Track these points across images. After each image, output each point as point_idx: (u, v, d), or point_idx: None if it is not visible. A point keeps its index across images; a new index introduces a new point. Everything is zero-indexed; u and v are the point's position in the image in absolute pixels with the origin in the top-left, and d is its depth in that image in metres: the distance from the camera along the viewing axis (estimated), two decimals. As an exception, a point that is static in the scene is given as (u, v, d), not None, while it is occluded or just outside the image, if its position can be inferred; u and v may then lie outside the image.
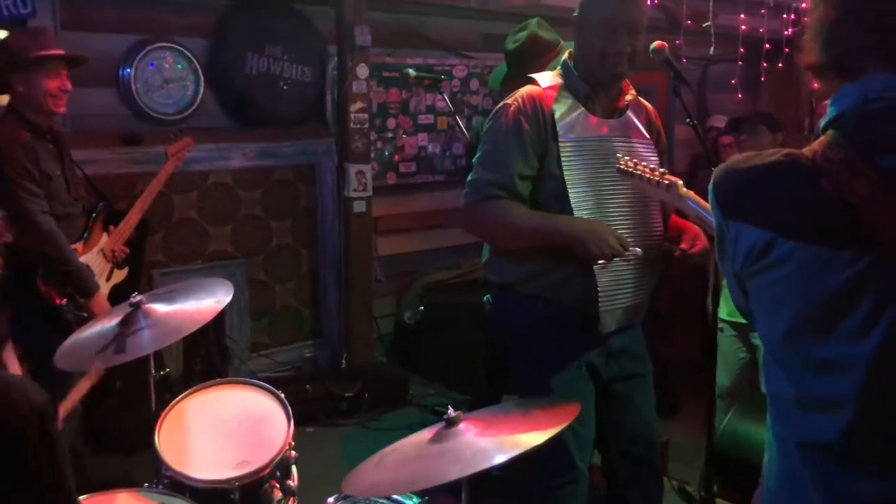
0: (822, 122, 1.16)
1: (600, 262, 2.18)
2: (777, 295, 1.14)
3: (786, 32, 5.59)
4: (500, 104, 2.36)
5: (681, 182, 2.18)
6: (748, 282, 1.18)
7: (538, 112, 2.28)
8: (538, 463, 2.28)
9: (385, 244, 5.26)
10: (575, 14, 2.35)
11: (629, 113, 2.42)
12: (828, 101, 1.18)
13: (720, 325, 3.61)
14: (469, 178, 2.35)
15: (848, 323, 1.07)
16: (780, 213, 1.12)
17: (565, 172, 2.24)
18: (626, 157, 2.20)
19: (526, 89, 2.35)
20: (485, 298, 2.55)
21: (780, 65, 5.60)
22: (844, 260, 1.06)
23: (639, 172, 2.16)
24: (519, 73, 3.49)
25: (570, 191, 2.23)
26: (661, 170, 2.19)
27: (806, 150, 1.14)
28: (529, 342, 2.37)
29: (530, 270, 2.31)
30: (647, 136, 2.45)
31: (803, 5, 5.53)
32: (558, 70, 2.41)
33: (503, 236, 2.36)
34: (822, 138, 1.14)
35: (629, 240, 2.23)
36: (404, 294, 5.33)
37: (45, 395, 1.28)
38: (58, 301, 2.94)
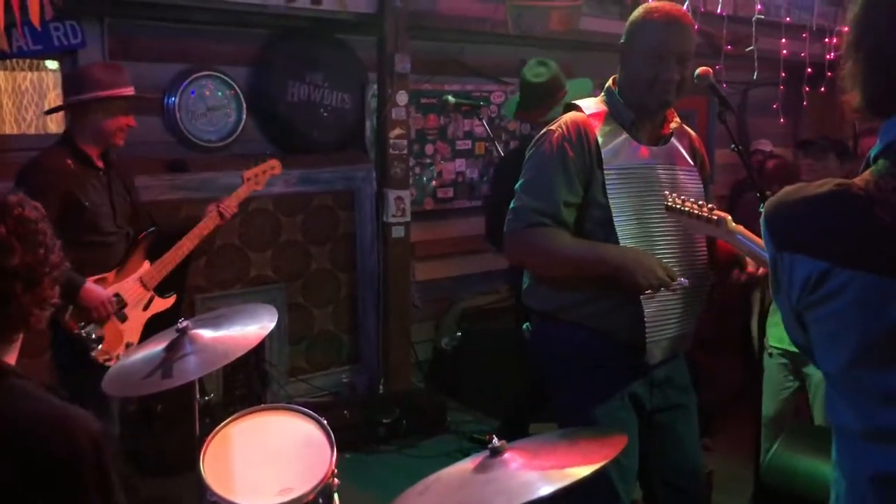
0: (872, 153, 1.18)
1: (647, 292, 2.16)
2: (836, 326, 1.12)
3: (828, 56, 5.53)
4: (544, 131, 2.34)
5: (730, 217, 2.15)
6: (806, 314, 1.17)
7: (583, 139, 2.25)
8: (580, 494, 2.24)
9: (423, 269, 5.27)
10: (622, 41, 2.33)
11: (673, 140, 2.40)
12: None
13: (769, 350, 3.55)
14: (512, 205, 2.32)
15: None
16: (835, 243, 1.12)
17: (610, 200, 2.22)
18: (674, 195, 2.18)
19: (570, 116, 2.33)
20: (524, 326, 2.53)
21: (822, 89, 5.53)
22: None
23: (687, 209, 2.13)
24: (532, 105, 3.63)
25: (615, 219, 2.21)
26: (710, 205, 2.16)
27: (857, 180, 1.15)
28: (572, 370, 2.34)
29: (573, 299, 2.29)
30: (692, 164, 2.42)
31: (846, 29, 5.45)
32: (602, 97, 2.40)
33: (547, 264, 2.31)
34: (873, 168, 1.15)
35: (675, 269, 2.20)
36: (442, 319, 5.33)
37: (100, 425, 1.29)
38: (76, 330, 2.95)
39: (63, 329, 2.93)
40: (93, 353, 2.96)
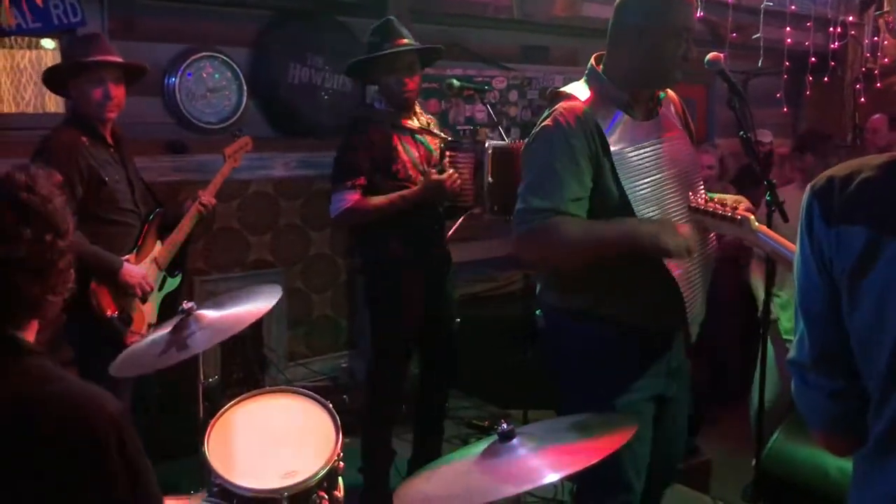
0: None
1: (676, 270, 2.12)
2: (885, 296, 1.10)
3: (832, 46, 5.50)
4: (539, 126, 2.20)
5: (752, 217, 2.15)
6: (853, 285, 1.14)
7: (584, 125, 2.13)
8: (592, 480, 2.23)
9: (422, 255, 5.23)
10: (617, 19, 2.25)
11: (661, 109, 2.34)
12: None
13: (781, 336, 3.55)
14: (517, 206, 2.16)
15: None
16: (885, 212, 1.11)
17: (624, 184, 2.13)
18: (696, 195, 2.17)
19: (564, 105, 2.19)
20: (536, 313, 2.47)
21: (825, 79, 5.51)
22: None
23: (711, 209, 2.13)
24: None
25: (633, 202, 2.13)
26: (732, 205, 2.15)
27: None
28: (589, 367, 2.26)
29: (589, 298, 2.21)
30: (681, 128, 2.37)
31: (850, 19, 5.45)
32: (585, 80, 2.27)
33: (565, 256, 2.16)
34: None
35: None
36: (440, 306, 5.29)
37: (119, 405, 1.25)
38: (108, 313, 2.93)
39: (93, 314, 2.90)
40: (125, 336, 2.93)
